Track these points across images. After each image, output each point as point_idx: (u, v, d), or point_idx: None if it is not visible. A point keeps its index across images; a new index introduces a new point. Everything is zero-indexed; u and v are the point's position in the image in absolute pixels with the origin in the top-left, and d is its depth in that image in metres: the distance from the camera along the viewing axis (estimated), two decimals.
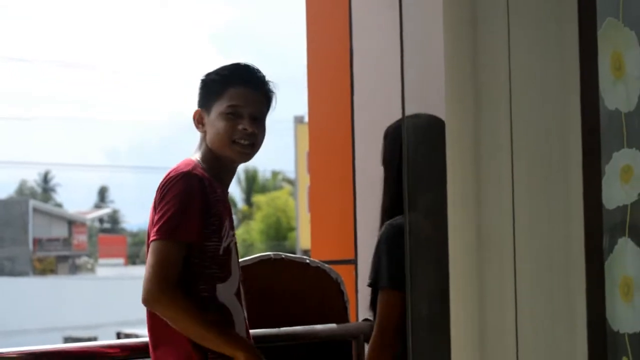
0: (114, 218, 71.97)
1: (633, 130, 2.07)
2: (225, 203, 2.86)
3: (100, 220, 69.71)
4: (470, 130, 2.10)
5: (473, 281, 2.10)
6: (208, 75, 2.95)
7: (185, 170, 2.77)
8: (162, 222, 2.70)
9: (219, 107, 2.87)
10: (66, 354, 3.02)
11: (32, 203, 52.90)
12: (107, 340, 3.33)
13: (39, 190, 69.89)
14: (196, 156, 2.89)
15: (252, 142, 2.87)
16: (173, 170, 2.80)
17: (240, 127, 2.84)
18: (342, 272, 3.60)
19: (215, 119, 2.87)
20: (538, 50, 2.08)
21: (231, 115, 2.85)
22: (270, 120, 2.99)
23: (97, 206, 71.88)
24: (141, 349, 3.04)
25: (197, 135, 2.95)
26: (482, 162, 2.09)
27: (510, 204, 2.07)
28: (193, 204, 2.73)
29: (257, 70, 2.96)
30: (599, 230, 2.07)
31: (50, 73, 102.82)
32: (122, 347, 3.10)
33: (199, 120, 2.92)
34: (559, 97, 2.06)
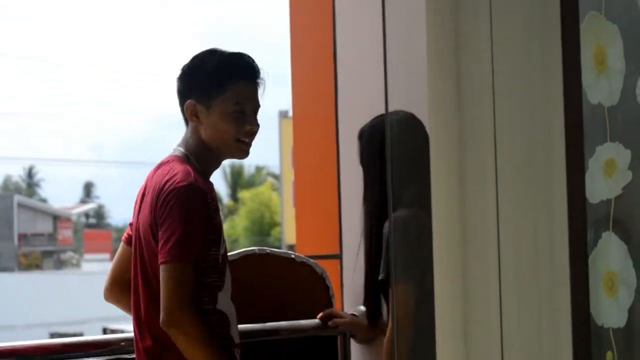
0: (99, 213, 71.76)
1: (616, 124, 2.07)
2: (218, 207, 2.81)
3: (86, 215, 69.52)
4: (453, 125, 2.09)
5: (457, 276, 2.09)
6: (204, 64, 2.83)
7: (186, 182, 2.68)
8: (171, 243, 2.64)
9: (222, 106, 2.79)
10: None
11: (17, 198, 52.73)
12: (93, 335, 3.28)
13: (23, 185, 69.66)
14: (182, 148, 2.81)
15: (253, 138, 2.84)
16: (171, 178, 2.71)
17: (247, 127, 2.79)
18: (327, 267, 3.59)
19: (219, 119, 2.78)
20: (520, 44, 2.07)
21: (236, 114, 2.79)
22: None
23: (83, 201, 71.69)
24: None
25: (181, 131, 2.88)
26: (466, 156, 2.09)
27: (494, 199, 2.07)
28: (199, 220, 2.68)
29: (253, 60, 2.88)
30: (583, 225, 2.07)
31: (34, 69, 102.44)
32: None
33: (193, 113, 2.81)
34: (541, 92, 2.05)
